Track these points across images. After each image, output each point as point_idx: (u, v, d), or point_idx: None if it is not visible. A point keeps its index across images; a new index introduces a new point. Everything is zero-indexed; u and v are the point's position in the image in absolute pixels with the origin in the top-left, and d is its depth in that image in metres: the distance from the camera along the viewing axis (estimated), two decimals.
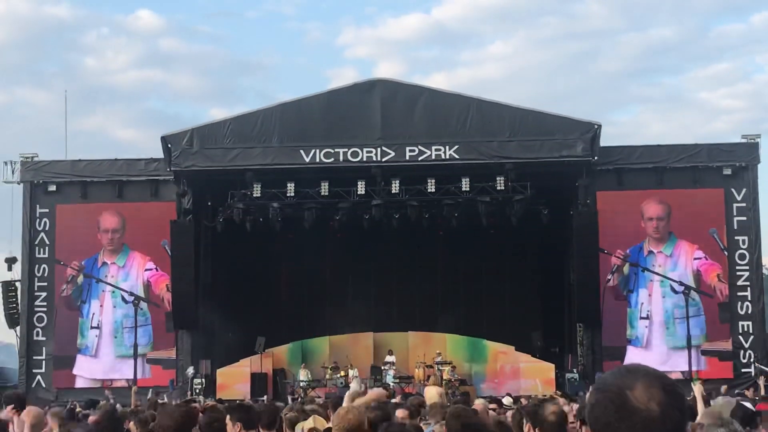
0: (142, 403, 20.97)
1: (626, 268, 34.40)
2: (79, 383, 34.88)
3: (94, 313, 35.40)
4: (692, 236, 34.33)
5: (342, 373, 33.47)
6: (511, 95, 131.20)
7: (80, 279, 35.60)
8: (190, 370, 33.61)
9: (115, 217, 35.71)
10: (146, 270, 35.43)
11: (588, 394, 3.05)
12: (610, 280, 34.16)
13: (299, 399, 24.43)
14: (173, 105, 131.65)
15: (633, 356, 33.36)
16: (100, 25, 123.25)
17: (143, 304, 34.99)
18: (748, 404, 9.28)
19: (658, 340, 33.98)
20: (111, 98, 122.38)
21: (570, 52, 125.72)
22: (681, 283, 33.74)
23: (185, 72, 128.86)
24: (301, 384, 33.48)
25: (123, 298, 35.29)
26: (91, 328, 35.34)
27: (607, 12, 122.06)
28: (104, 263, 35.60)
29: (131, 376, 33.80)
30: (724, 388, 28.85)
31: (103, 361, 35.22)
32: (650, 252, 34.39)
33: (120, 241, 35.68)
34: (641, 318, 34.14)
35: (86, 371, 35.20)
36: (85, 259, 35.64)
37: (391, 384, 32.43)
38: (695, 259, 34.23)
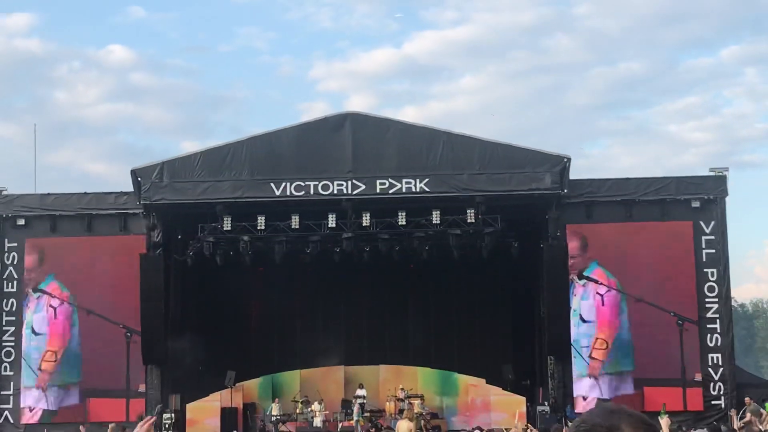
0: None
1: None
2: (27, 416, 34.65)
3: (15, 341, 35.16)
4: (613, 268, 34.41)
5: (312, 407, 33.38)
6: (481, 128, 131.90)
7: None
8: (160, 406, 33.35)
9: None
10: (49, 305, 35.07)
11: None
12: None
13: None
14: (144, 138, 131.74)
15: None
16: (72, 59, 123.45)
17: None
18: None
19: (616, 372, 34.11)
20: (81, 132, 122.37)
21: (540, 86, 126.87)
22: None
23: (156, 105, 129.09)
24: (272, 419, 33.32)
25: (33, 331, 34.99)
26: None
27: (576, 46, 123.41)
28: (26, 294, 35.24)
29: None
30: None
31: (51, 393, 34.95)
32: (571, 279, 34.29)
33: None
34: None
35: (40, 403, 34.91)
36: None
37: (360, 419, 32.37)
38: (598, 293, 34.22)
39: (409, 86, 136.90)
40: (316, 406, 33.41)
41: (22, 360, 34.79)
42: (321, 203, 32.87)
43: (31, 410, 34.56)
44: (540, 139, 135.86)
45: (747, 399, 29.76)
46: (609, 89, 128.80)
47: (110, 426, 27.50)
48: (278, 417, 33.41)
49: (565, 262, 33.56)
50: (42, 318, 34.97)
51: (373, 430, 30.81)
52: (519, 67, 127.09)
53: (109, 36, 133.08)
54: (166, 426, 32.13)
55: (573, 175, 33.70)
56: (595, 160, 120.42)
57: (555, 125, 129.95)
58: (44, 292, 35.04)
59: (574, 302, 33.93)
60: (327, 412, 33.52)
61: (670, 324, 33.95)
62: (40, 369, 34.74)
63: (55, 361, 34.79)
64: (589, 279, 34.17)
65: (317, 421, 32.68)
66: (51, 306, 34.97)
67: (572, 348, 33.66)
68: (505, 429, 21.82)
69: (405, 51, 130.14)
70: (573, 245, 34.01)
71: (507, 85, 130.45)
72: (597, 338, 33.90)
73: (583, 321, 33.99)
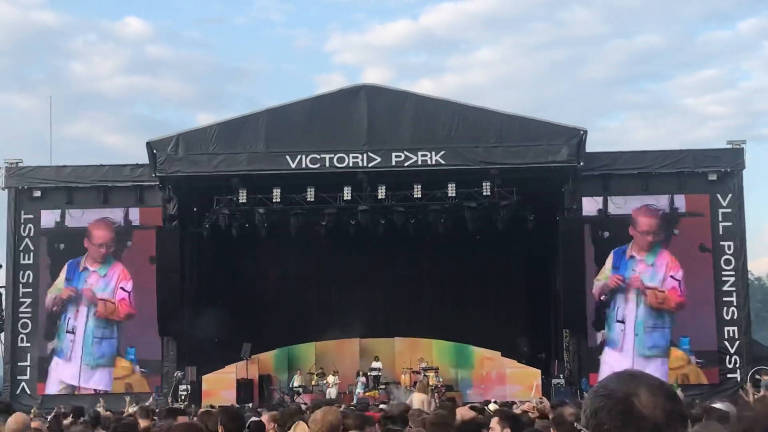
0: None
1: (609, 271, 34.29)
2: (51, 387, 34.76)
3: (69, 318, 35.19)
4: (679, 253, 34.30)
5: (327, 380, 33.54)
6: (498, 101, 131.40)
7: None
8: (178, 374, 33.55)
9: (105, 231, 35.47)
10: (121, 288, 35.22)
11: (588, 399, 3.02)
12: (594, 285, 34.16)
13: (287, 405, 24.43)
14: (160, 111, 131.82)
15: (609, 358, 33.34)
16: (88, 31, 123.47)
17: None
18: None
19: (629, 345, 33.96)
20: (98, 104, 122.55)
21: (557, 59, 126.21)
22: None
23: (173, 78, 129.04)
24: (295, 389, 33.55)
25: (98, 308, 35.16)
26: (67, 332, 35.16)
27: (594, 19, 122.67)
28: (86, 268, 35.36)
29: (99, 387, 34.20)
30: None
31: (74, 366, 35.04)
32: (632, 257, 34.30)
33: (105, 254, 35.47)
34: (617, 321, 34.11)
35: (60, 374, 35.00)
36: (69, 260, 35.44)
37: (375, 391, 32.52)
38: (672, 278, 34.16)
39: (426, 59, 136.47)
40: (330, 378, 33.55)
41: (83, 336, 34.98)
42: (336, 176, 32.82)
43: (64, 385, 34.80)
44: (557, 113, 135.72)
45: (763, 375, 29.60)
46: (626, 62, 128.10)
47: (127, 399, 27.58)
48: (297, 388, 33.59)
49: (581, 235, 33.48)
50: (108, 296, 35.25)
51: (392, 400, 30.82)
52: (536, 40, 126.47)
53: (125, 8, 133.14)
54: (182, 397, 32.26)
55: (590, 148, 33.60)
56: (613, 134, 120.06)
57: (572, 98, 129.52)
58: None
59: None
60: (340, 382, 33.65)
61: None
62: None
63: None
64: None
65: (332, 393, 32.81)
66: (122, 288, 35.24)
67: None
68: (520, 401, 21.81)
69: (422, 23, 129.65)
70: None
71: (524, 58, 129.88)
72: None
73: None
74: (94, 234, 35.36)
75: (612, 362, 32.81)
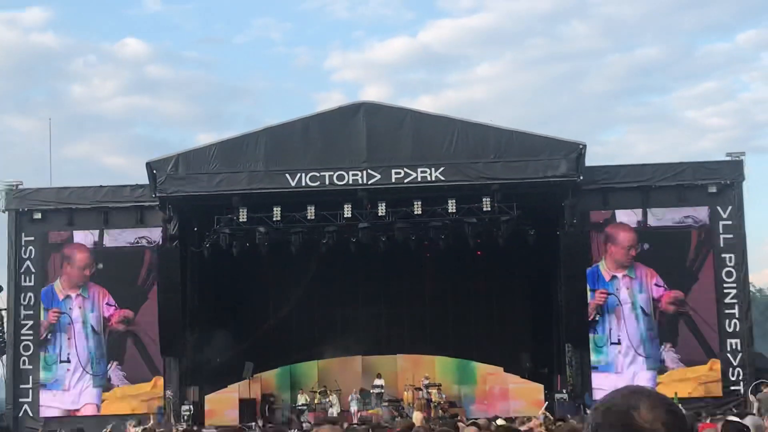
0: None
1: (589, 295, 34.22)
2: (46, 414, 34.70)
3: (62, 347, 35.07)
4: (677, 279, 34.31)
5: (329, 398, 33.51)
6: (498, 117, 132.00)
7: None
8: (168, 394, 33.47)
9: (85, 253, 35.44)
10: (107, 304, 35.14)
11: (590, 415, 3.05)
12: None
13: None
14: (161, 131, 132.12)
15: (601, 382, 33.18)
16: (87, 53, 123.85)
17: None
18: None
19: (634, 364, 33.83)
20: (98, 125, 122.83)
21: (557, 74, 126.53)
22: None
23: (173, 98, 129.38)
24: (299, 408, 33.49)
25: (93, 329, 35.07)
26: (61, 362, 35.00)
27: (593, 33, 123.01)
28: (68, 296, 35.26)
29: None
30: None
31: (74, 393, 34.90)
32: (613, 277, 34.26)
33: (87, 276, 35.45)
34: (612, 344, 33.98)
35: (53, 404, 34.83)
36: (42, 289, 35.34)
37: (378, 408, 32.49)
38: (656, 285, 34.13)
39: (425, 75, 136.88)
40: (333, 397, 33.53)
41: (88, 360, 34.91)
42: (336, 193, 32.85)
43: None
44: (557, 127, 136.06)
45: (765, 387, 29.44)
46: (626, 76, 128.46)
47: (130, 422, 27.43)
48: (300, 407, 33.54)
49: (583, 249, 33.47)
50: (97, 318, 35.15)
51: (399, 417, 30.77)
52: (536, 55, 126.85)
53: (125, 29, 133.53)
54: (185, 417, 32.23)
55: (590, 162, 33.66)
56: (613, 147, 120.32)
57: (572, 113, 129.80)
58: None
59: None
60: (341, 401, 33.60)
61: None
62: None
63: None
64: None
65: (333, 411, 32.76)
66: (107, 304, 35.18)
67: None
68: (526, 418, 21.76)
69: (420, 40, 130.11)
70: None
71: (524, 73, 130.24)
72: None
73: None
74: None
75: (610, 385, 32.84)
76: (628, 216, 34.38)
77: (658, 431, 2.89)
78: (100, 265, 35.21)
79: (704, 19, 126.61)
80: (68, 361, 34.95)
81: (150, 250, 34.97)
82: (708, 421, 18.89)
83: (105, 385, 34.79)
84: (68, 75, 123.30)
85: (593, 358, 33.85)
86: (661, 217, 34.29)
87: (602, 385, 32.59)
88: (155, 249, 34.61)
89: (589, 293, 33.88)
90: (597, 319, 33.97)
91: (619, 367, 33.70)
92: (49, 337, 35.04)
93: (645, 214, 34.40)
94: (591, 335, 33.88)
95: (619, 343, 33.88)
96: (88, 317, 35.07)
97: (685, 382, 33.45)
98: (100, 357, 34.89)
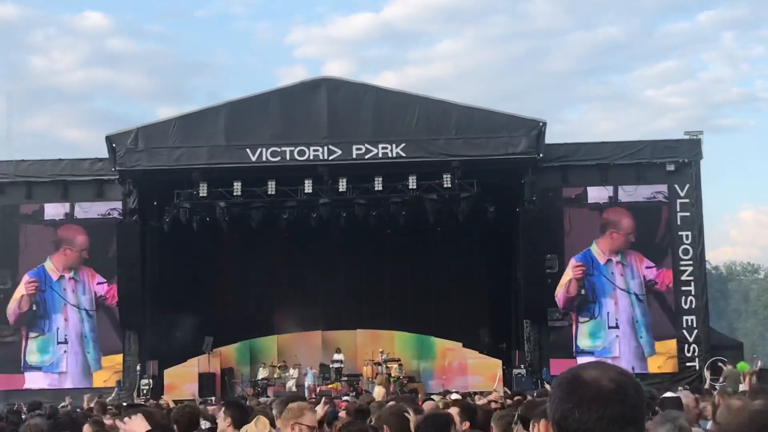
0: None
1: (584, 278, 34.51)
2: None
3: (58, 328, 34.94)
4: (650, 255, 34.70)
5: (289, 372, 33.62)
6: (459, 94, 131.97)
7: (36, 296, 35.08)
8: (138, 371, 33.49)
9: (82, 235, 35.27)
10: (98, 284, 35.03)
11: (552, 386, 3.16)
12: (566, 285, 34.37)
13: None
14: (121, 105, 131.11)
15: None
16: (47, 24, 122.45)
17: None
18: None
19: (630, 348, 34.18)
20: (57, 98, 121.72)
21: (518, 51, 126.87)
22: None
23: (133, 72, 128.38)
24: (260, 382, 33.55)
25: (87, 312, 34.95)
26: (58, 343, 34.86)
27: (555, 11, 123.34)
28: (61, 276, 35.11)
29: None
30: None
31: (71, 375, 34.79)
32: (608, 260, 34.60)
33: (77, 257, 35.27)
34: (610, 327, 34.32)
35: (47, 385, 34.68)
36: (29, 271, 35.17)
37: (337, 383, 32.61)
38: (646, 267, 34.51)
39: (388, 51, 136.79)
40: (291, 371, 33.64)
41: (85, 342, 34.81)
42: (297, 169, 32.84)
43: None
44: (519, 105, 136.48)
45: (725, 365, 29.80)
46: (587, 54, 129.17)
47: (86, 396, 27.30)
48: (261, 381, 33.58)
49: (541, 227, 33.70)
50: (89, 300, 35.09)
51: (354, 393, 30.94)
52: (497, 32, 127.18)
53: (85, 2, 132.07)
54: (144, 392, 32.20)
55: (552, 139, 33.89)
56: (573, 125, 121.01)
57: (534, 91, 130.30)
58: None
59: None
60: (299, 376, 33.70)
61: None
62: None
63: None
64: None
65: (292, 386, 32.86)
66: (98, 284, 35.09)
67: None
68: (486, 393, 21.96)
69: (383, 16, 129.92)
70: None
71: (485, 51, 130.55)
72: None
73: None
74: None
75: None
76: (599, 192, 34.69)
77: (604, 385, 2.96)
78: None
79: None
80: (65, 342, 34.79)
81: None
82: None
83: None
84: (27, 47, 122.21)
85: (589, 342, 34.17)
86: (633, 192, 34.63)
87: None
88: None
89: (573, 269, 34.18)
90: (587, 297, 34.30)
91: (617, 351, 34.03)
92: (39, 320, 34.88)
93: (616, 191, 34.72)
94: (588, 320, 34.21)
95: (617, 327, 34.19)
96: (81, 300, 34.97)
97: (656, 356, 34.02)
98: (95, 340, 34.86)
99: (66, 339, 34.76)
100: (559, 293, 34.22)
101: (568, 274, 34.33)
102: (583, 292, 34.34)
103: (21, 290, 34.81)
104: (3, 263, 35.19)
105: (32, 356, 34.74)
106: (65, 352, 34.73)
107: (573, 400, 2.96)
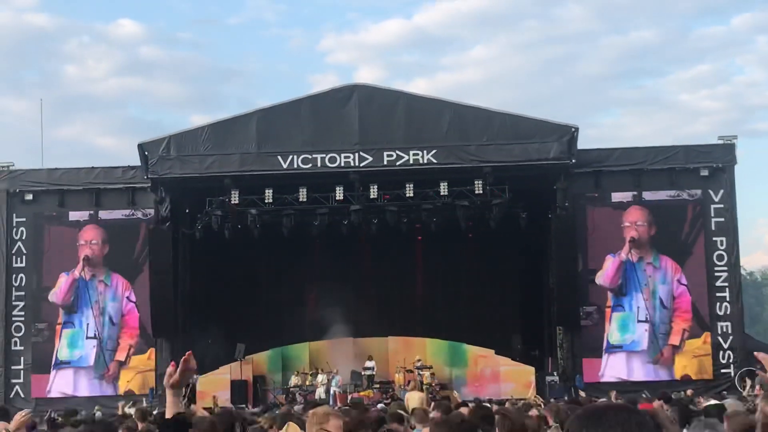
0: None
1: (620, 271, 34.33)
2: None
3: (88, 323, 35.16)
4: (674, 254, 34.45)
5: (318, 380, 33.55)
6: (491, 99, 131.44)
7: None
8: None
9: (96, 230, 35.48)
10: (127, 298, 35.24)
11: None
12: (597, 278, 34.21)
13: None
14: (154, 112, 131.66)
15: (615, 361, 33.47)
16: (81, 33, 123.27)
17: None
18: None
19: (653, 345, 34.04)
20: (91, 106, 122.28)
21: (550, 56, 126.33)
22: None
23: (166, 79, 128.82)
24: (291, 390, 33.49)
25: (111, 319, 35.15)
26: (87, 338, 35.10)
27: (587, 15, 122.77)
28: (93, 276, 35.33)
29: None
30: None
31: (98, 370, 35.04)
32: (640, 258, 34.35)
33: (100, 257, 35.43)
34: (639, 321, 34.09)
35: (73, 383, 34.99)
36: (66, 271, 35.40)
37: (369, 390, 32.49)
38: (679, 282, 34.26)
39: (419, 58, 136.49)
40: (320, 378, 33.53)
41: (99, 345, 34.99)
42: (328, 176, 32.81)
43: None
44: (551, 110, 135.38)
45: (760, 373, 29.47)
46: (620, 58, 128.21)
47: (120, 403, 27.45)
48: (293, 388, 33.51)
49: (574, 233, 33.51)
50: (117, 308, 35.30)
51: (390, 400, 30.83)
52: (530, 37, 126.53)
53: (118, 10, 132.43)
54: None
55: (584, 145, 33.79)
56: (607, 130, 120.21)
57: (566, 95, 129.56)
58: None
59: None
60: (340, 381, 33.56)
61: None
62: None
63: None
64: None
65: (321, 392, 32.77)
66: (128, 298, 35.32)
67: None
68: (517, 399, 21.86)
69: (415, 22, 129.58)
70: None
71: (518, 56, 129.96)
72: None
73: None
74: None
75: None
76: (623, 195, 34.55)
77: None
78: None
79: (699, 2, 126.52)
80: (95, 338, 35.05)
81: (145, 222, 34.93)
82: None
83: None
84: (61, 55, 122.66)
85: (619, 336, 33.98)
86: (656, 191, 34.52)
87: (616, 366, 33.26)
88: (150, 222, 34.62)
89: (608, 268, 34.01)
90: (624, 292, 34.07)
91: (645, 344, 33.84)
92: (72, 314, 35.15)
93: (640, 193, 34.57)
94: (617, 313, 34.01)
95: (646, 321, 33.99)
96: (108, 306, 35.17)
97: (680, 355, 33.72)
98: (110, 350, 35.05)
99: (96, 335, 34.93)
100: (600, 278, 34.13)
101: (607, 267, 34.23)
102: (620, 281, 34.14)
103: (60, 283, 35.10)
104: (32, 267, 35.40)
105: (63, 351, 35.01)
106: (93, 347, 34.95)
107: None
